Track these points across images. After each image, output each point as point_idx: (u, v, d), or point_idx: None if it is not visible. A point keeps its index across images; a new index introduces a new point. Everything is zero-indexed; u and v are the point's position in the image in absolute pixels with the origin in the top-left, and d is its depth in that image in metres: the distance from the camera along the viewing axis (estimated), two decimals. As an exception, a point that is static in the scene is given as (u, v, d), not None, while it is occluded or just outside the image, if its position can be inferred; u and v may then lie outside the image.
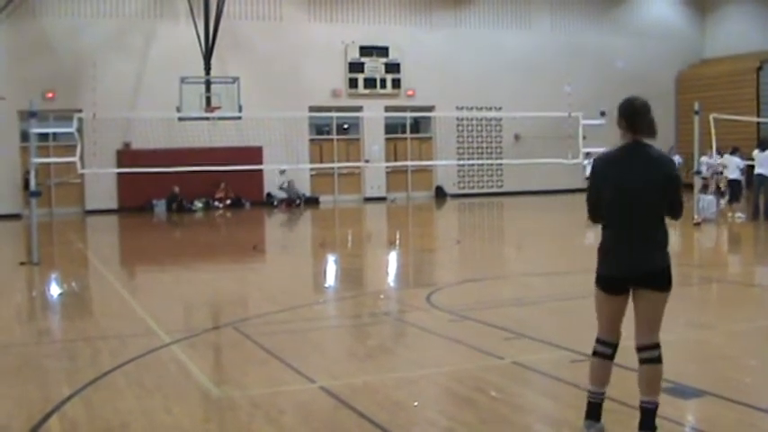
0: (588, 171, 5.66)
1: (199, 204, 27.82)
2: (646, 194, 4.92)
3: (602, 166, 5.13)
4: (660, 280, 4.94)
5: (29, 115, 15.20)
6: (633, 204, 4.93)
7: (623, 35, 34.33)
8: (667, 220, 5.04)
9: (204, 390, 6.48)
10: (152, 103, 25.65)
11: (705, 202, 19.75)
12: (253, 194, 28.67)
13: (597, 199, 5.09)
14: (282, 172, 28.32)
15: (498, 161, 31.60)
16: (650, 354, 4.91)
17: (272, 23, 29.39)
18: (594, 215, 5.16)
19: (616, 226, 5.00)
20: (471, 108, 31.27)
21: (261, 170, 27.47)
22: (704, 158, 23.10)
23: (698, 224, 18.43)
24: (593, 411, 5.06)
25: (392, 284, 12.63)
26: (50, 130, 23.74)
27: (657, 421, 4.89)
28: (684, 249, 16.57)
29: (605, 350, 5.07)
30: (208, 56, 25.87)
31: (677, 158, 28.66)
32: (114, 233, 23.33)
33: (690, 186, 21.16)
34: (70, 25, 26.77)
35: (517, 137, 31.63)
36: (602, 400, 5.07)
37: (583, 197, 5.34)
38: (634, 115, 4.99)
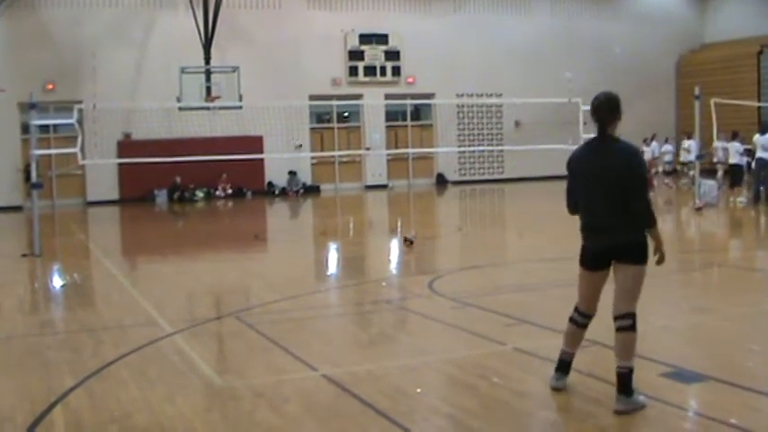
0: None
1: (200, 194, 27.82)
2: (607, 180, 5.30)
3: (574, 162, 5.60)
4: (634, 253, 5.28)
5: (29, 107, 15.19)
6: (599, 189, 5.34)
7: (623, 21, 34.22)
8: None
9: (207, 379, 6.49)
10: (152, 94, 25.63)
11: (706, 187, 19.71)
12: (254, 184, 28.68)
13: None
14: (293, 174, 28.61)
15: (499, 148, 31.56)
16: (622, 323, 5.31)
17: (271, 12, 29.30)
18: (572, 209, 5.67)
19: (592, 210, 5.43)
20: (472, 95, 31.20)
21: (262, 159, 27.46)
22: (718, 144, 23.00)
23: (699, 209, 18.43)
24: (563, 366, 5.66)
25: (394, 272, 12.62)
26: (51, 122, 23.71)
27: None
28: (686, 234, 16.58)
29: (582, 320, 5.63)
30: (207, 45, 25.83)
31: (670, 147, 28.52)
32: (116, 224, 23.33)
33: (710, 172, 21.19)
34: (70, 16, 26.71)
35: (517, 123, 31.59)
36: (572, 358, 5.66)
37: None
38: (594, 112, 5.43)
